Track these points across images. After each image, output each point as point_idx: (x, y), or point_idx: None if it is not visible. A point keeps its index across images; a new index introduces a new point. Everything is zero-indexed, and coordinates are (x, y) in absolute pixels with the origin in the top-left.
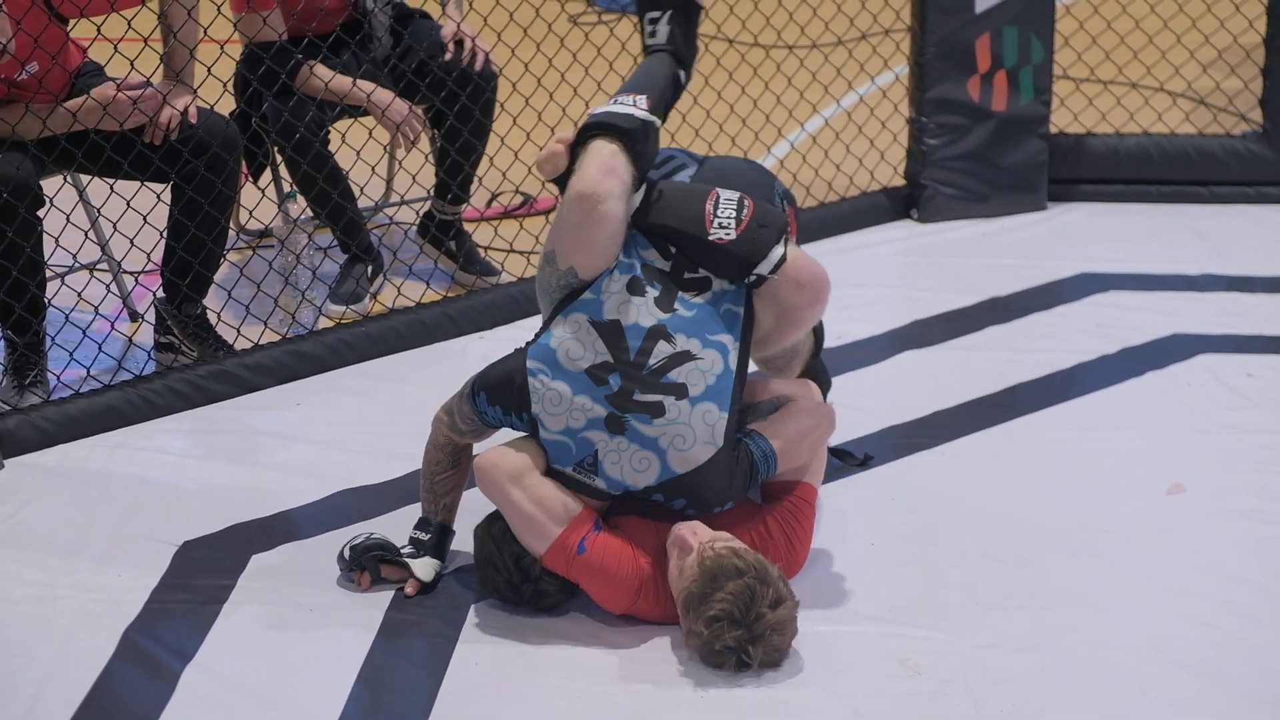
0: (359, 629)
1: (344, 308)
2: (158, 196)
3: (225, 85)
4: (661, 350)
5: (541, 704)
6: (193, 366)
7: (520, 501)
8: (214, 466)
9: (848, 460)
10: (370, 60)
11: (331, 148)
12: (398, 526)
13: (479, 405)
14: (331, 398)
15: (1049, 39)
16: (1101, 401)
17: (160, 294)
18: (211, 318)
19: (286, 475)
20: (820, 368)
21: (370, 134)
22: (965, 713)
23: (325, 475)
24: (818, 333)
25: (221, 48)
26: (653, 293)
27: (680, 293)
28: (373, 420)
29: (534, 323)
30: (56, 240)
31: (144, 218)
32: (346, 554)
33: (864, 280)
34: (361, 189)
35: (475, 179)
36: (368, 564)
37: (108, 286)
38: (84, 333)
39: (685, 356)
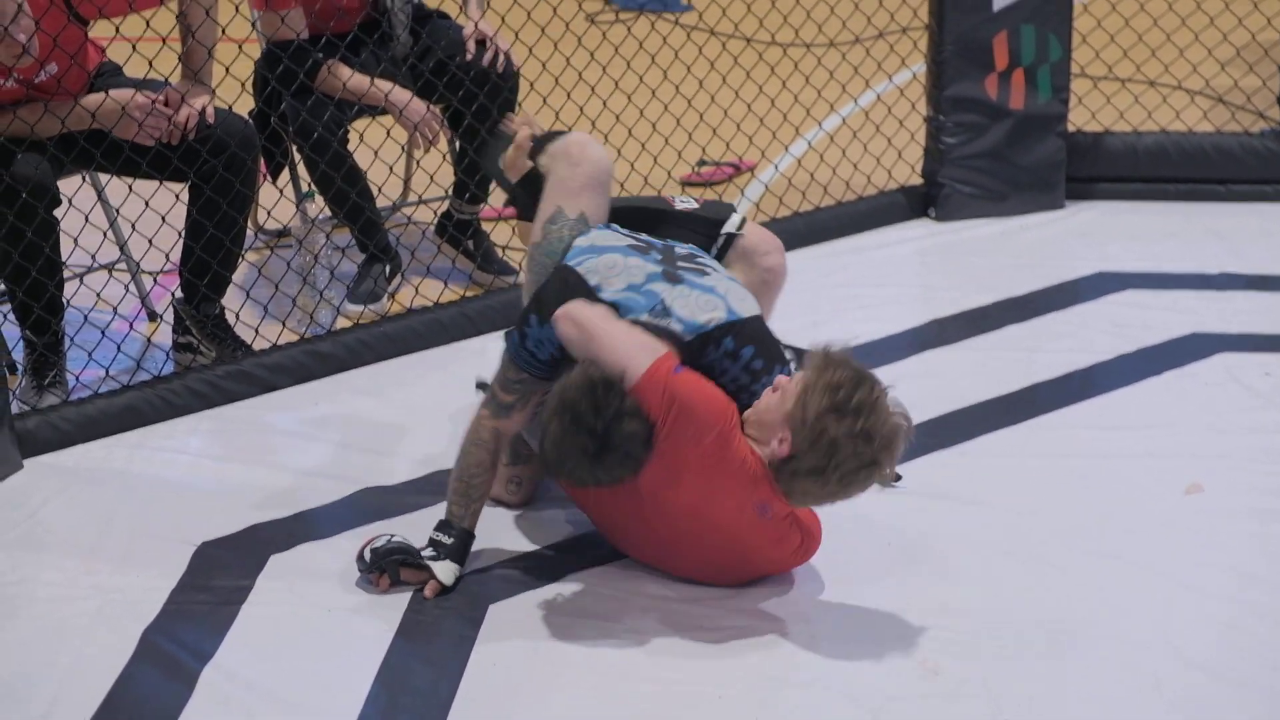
0: (377, 629)
1: (362, 307)
2: (176, 196)
3: (243, 84)
4: (680, 253)
5: (560, 704)
6: (211, 366)
7: (618, 328)
8: (232, 466)
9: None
10: (389, 59)
11: (350, 147)
12: (414, 528)
13: (531, 337)
14: (349, 398)
15: (1066, 37)
16: (1120, 401)
17: (179, 294)
18: (230, 317)
19: (304, 475)
20: None
21: (388, 133)
22: (983, 713)
23: (343, 475)
24: None
25: (240, 47)
26: (654, 254)
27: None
28: (390, 420)
29: None
30: (75, 240)
31: (162, 217)
32: (367, 556)
33: (882, 279)
34: (379, 188)
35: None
36: (388, 567)
37: (126, 286)
38: (103, 333)
39: (700, 261)
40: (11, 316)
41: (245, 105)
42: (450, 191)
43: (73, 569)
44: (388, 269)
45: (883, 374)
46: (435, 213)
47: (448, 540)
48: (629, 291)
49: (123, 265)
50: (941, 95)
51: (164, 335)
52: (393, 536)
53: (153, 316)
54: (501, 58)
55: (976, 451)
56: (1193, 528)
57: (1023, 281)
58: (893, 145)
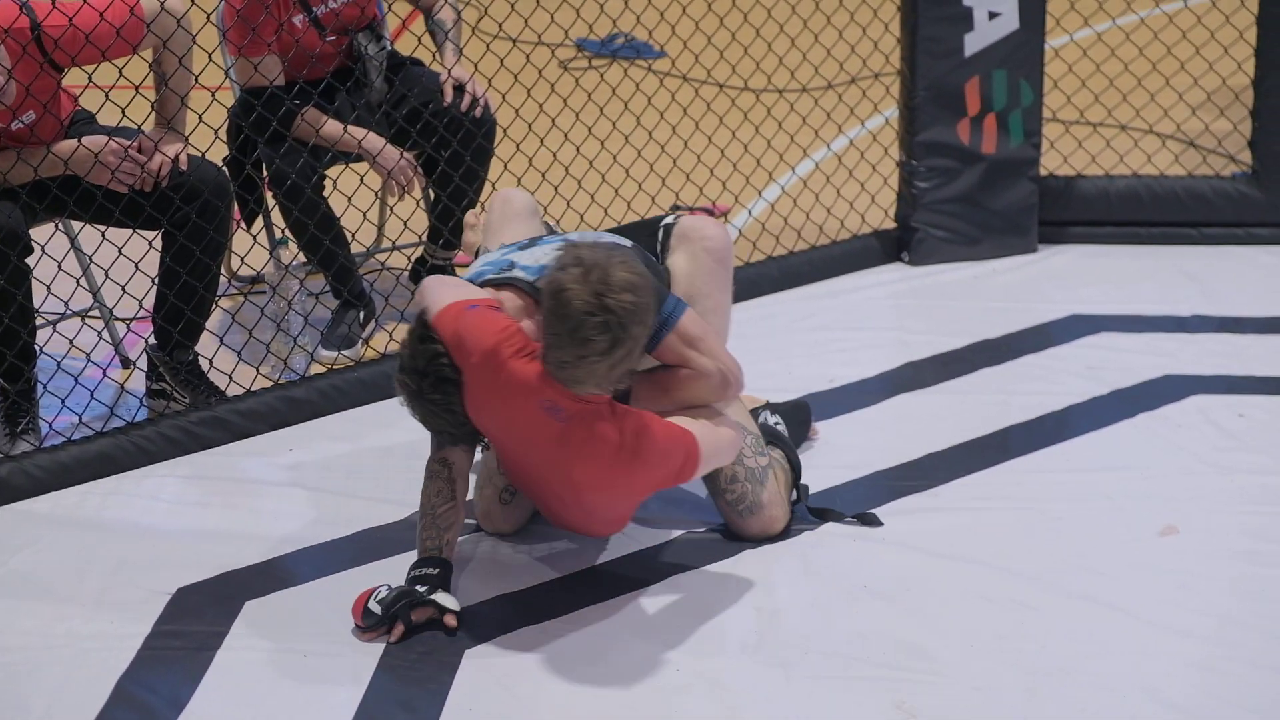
0: (354, 675)
1: (336, 353)
2: (149, 243)
3: (216, 132)
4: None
5: None
6: (185, 413)
7: (447, 287)
8: (207, 513)
9: (833, 518)
10: (363, 106)
11: (324, 193)
12: (389, 573)
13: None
14: (324, 443)
15: (1038, 82)
16: (1093, 443)
17: (152, 340)
18: (204, 364)
19: (279, 521)
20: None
21: (362, 180)
22: None
23: (318, 520)
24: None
25: (213, 94)
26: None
27: None
28: (365, 466)
29: None
30: (48, 287)
31: (135, 264)
32: (376, 609)
33: (856, 323)
34: (354, 235)
35: None
36: (400, 614)
37: (99, 333)
38: (76, 380)
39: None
40: None
41: (219, 153)
42: (425, 237)
43: (47, 616)
44: (362, 315)
45: (858, 417)
46: (409, 258)
47: (433, 572)
48: (482, 265)
49: (96, 312)
50: (914, 140)
51: (138, 382)
52: (388, 585)
53: (126, 363)
54: (481, 103)
55: (951, 495)
56: (1168, 569)
57: (996, 325)
58: (866, 190)
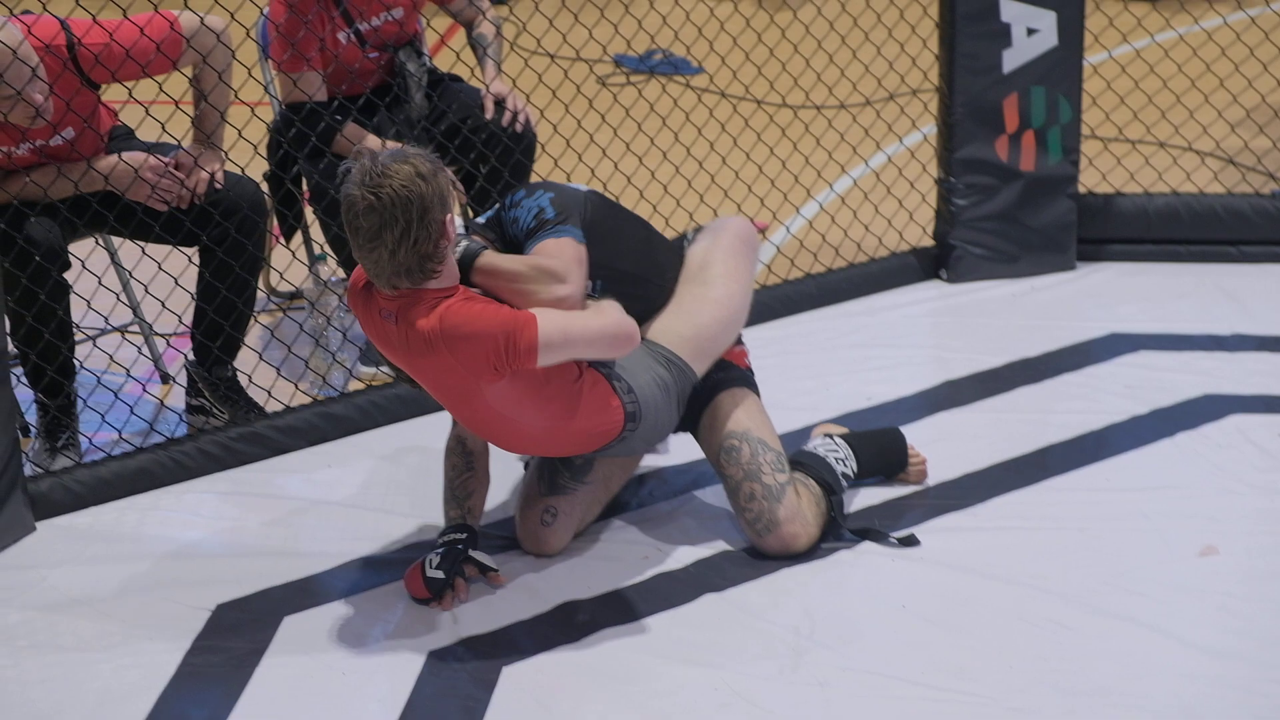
0: (391, 692)
1: (375, 370)
2: (188, 259)
3: (256, 148)
4: None
5: None
6: (224, 429)
7: None
8: (246, 528)
9: (874, 537)
10: (403, 121)
11: None
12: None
13: None
14: (362, 460)
15: (1077, 99)
16: (1133, 462)
17: (191, 356)
18: (242, 380)
19: (318, 537)
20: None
21: None
22: None
23: (357, 537)
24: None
25: (252, 110)
26: None
27: None
28: (402, 482)
29: None
30: (88, 303)
31: (175, 280)
32: (440, 575)
33: (894, 341)
34: None
35: None
36: (458, 572)
37: (139, 349)
38: (115, 395)
39: None
40: (25, 379)
41: (258, 168)
42: None
43: (86, 632)
44: None
45: None
46: None
47: (461, 536)
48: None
49: (135, 328)
50: (952, 157)
51: (177, 398)
52: (436, 553)
53: (165, 379)
54: (521, 117)
55: (989, 514)
56: (1208, 590)
57: (1035, 343)
58: (904, 207)
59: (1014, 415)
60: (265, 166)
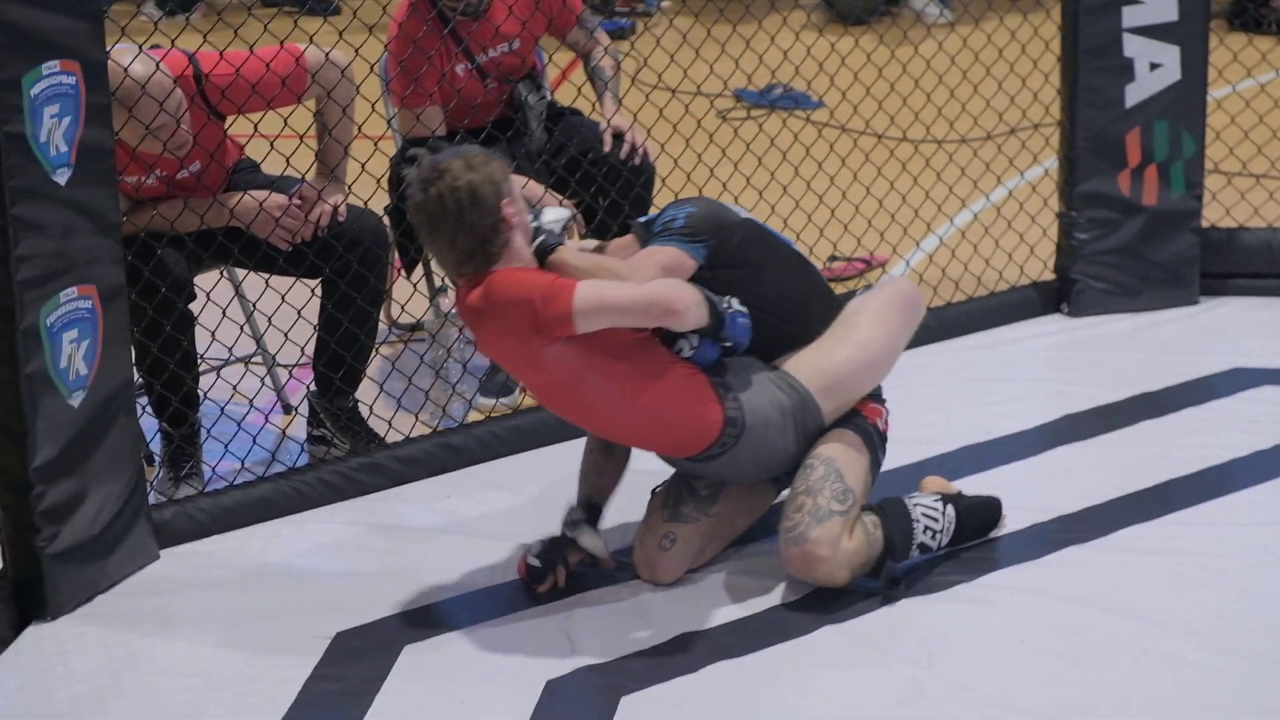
0: None
1: (494, 401)
2: (311, 291)
3: (379, 181)
4: None
5: None
6: (344, 459)
7: None
8: (366, 557)
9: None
10: (523, 155)
11: None
12: (546, 620)
13: None
14: (481, 490)
15: (1200, 133)
16: (1256, 497)
17: (313, 387)
18: (363, 410)
19: (438, 566)
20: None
21: None
22: None
23: (476, 566)
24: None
25: (375, 144)
26: None
27: None
28: (522, 512)
29: None
30: (213, 334)
31: (298, 312)
32: (537, 564)
33: (1014, 375)
34: None
35: None
36: (558, 560)
37: (262, 379)
38: (239, 425)
39: None
40: (149, 409)
41: (380, 201)
42: None
43: (208, 659)
44: None
45: (1017, 469)
46: None
47: (579, 515)
48: None
49: (259, 359)
50: (1074, 191)
51: (298, 428)
52: (537, 542)
53: (288, 409)
54: (640, 151)
55: (1110, 548)
56: None
57: (1157, 377)
58: (1025, 241)
59: (1135, 450)
60: (387, 200)
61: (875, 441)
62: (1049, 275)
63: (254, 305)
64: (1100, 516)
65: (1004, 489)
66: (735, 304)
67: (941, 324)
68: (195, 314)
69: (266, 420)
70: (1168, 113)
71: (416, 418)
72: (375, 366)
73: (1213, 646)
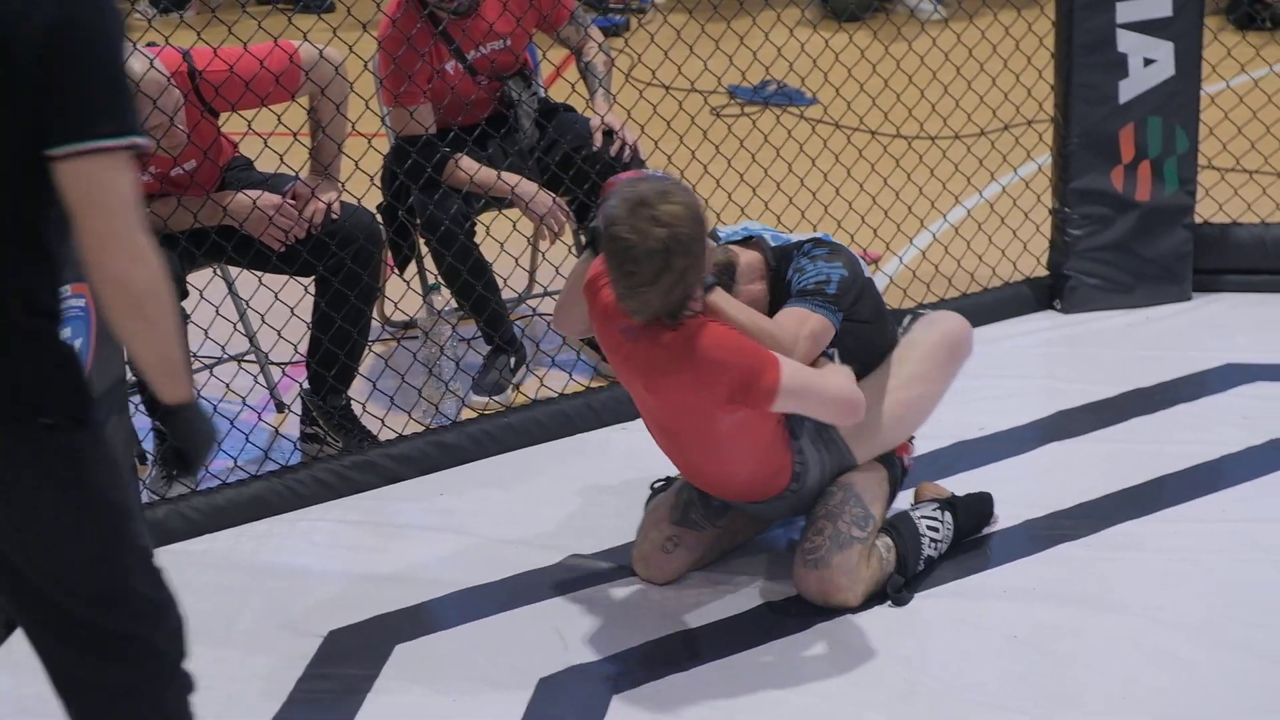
0: (502, 718)
1: (487, 399)
2: (304, 289)
3: (372, 178)
4: None
5: None
6: (337, 457)
7: None
8: (358, 556)
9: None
10: (515, 152)
11: (476, 239)
12: (539, 618)
13: None
14: (474, 489)
15: (1194, 129)
16: (1249, 493)
17: (306, 385)
18: (356, 409)
19: (430, 565)
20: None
21: (515, 225)
22: None
23: (468, 565)
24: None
25: (369, 141)
26: None
27: None
28: (515, 510)
29: None
30: (205, 331)
31: (291, 310)
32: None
33: (1007, 371)
34: (505, 280)
35: None
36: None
37: (255, 378)
38: (231, 423)
39: None
40: (142, 407)
41: (374, 199)
42: None
43: (201, 657)
44: (513, 360)
45: (1009, 465)
46: None
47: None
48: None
49: (252, 357)
50: (1067, 188)
51: (291, 426)
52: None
53: (280, 407)
54: (629, 149)
55: (1102, 545)
56: None
57: (1150, 373)
58: (1018, 237)
59: (1128, 446)
60: (380, 198)
61: (897, 474)
62: (1042, 271)
63: (247, 303)
64: (1092, 513)
65: (996, 485)
66: (836, 357)
67: None
68: (189, 312)
69: (260, 418)
70: (1161, 108)
71: (409, 415)
72: (368, 364)
73: (1204, 642)
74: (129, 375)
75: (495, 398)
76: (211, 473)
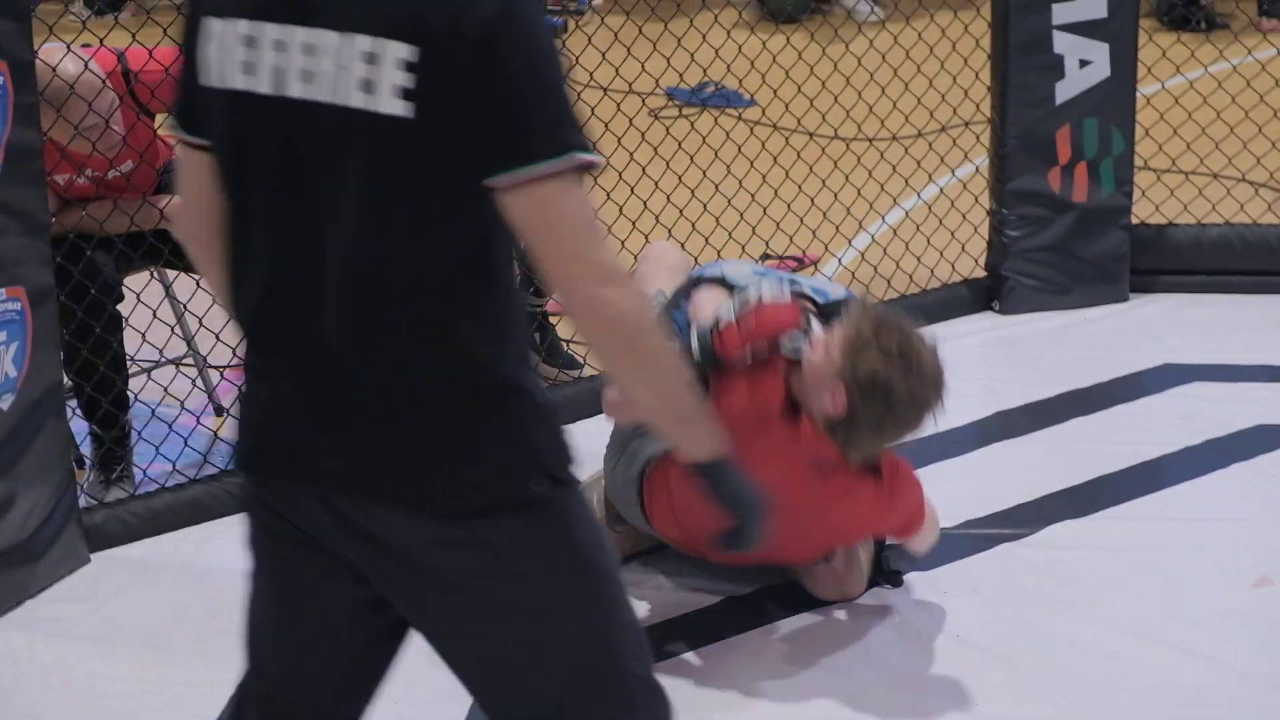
0: None
1: None
2: None
3: None
4: None
5: None
6: None
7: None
8: None
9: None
10: None
11: None
12: None
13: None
14: None
15: (1130, 130)
16: (1186, 494)
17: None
18: None
19: None
20: None
21: None
22: None
23: None
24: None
25: None
26: None
27: None
28: None
29: None
30: (143, 335)
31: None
32: None
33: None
34: None
35: None
36: None
37: (193, 381)
38: (170, 427)
39: None
40: (79, 411)
41: None
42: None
43: (142, 661)
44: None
45: (948, 466)
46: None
47: None
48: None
49: (190, 361)
50: (1004, 189)
51: (230, 429)
52: None
53: (219, 411)
54: None
55: (1042, 544)
56: (1263, 621)
57: (1087, 374)
58: (955, 238)
59: (1067, 446)
60: None
61: None
62: (980, 273)
63: (185, 306)
64: (1032, 512)
65: (936, 486)
66: None
67: None
68: (125, 315)
69: (198, 422)
70: (1098, 110)
71: None
72: None
73: (1144, 639)
74: (65, 379)
75: None
76: (150, 477)
